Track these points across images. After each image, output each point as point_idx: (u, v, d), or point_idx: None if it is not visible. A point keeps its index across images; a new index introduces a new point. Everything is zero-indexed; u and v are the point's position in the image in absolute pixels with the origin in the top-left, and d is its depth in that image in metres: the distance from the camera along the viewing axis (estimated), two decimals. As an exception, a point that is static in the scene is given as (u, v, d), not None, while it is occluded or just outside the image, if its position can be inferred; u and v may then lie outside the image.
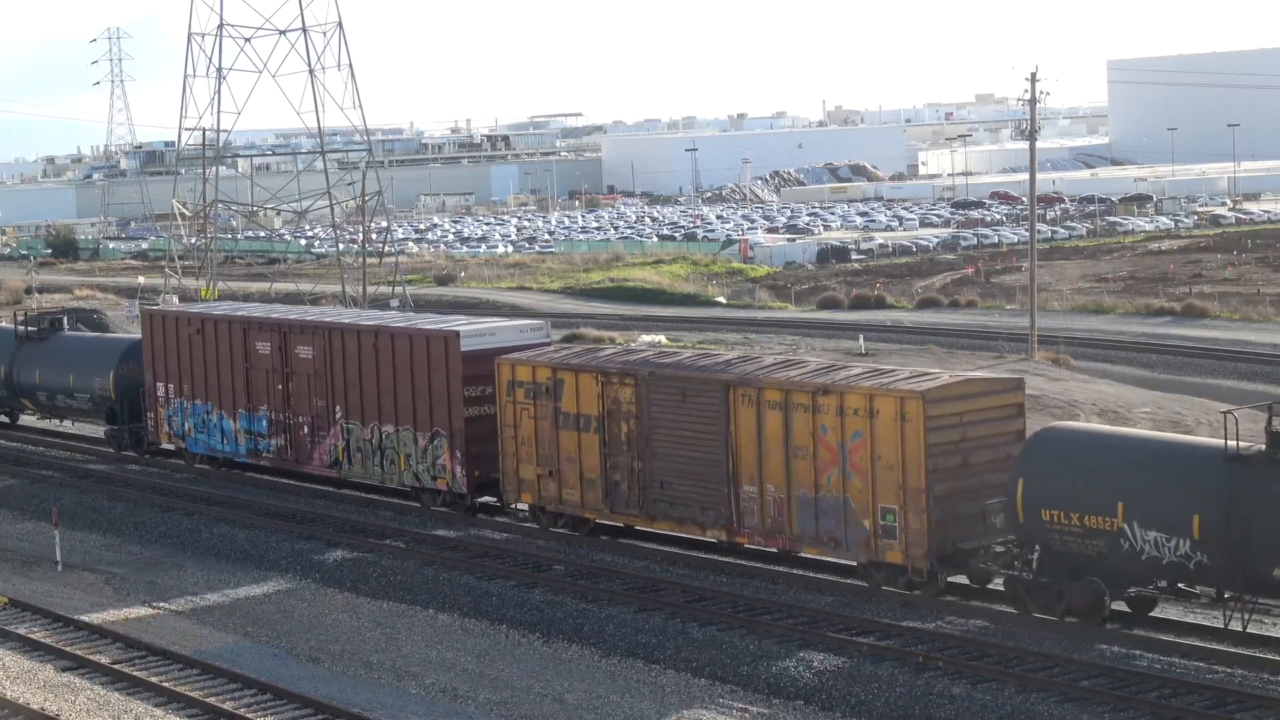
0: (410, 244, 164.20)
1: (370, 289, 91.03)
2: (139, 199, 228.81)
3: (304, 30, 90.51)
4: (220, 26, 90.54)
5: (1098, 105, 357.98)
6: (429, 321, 44.23)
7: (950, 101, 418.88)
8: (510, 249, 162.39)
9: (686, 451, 35.04)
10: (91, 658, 30.72)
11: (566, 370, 37.18)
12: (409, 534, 39.49)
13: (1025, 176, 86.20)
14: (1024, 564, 30.09)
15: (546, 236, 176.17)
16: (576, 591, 33.88)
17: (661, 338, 79.42)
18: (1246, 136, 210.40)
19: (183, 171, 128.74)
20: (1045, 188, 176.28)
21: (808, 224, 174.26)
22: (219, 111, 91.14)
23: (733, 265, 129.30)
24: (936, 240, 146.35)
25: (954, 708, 26.73)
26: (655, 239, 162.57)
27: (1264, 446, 27.48)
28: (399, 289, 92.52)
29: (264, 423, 45.21)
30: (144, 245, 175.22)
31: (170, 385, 48.12)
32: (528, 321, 43.36)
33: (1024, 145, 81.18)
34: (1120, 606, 29.89)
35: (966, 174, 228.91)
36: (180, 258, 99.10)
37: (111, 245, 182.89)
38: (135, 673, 29.71)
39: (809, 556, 34.01)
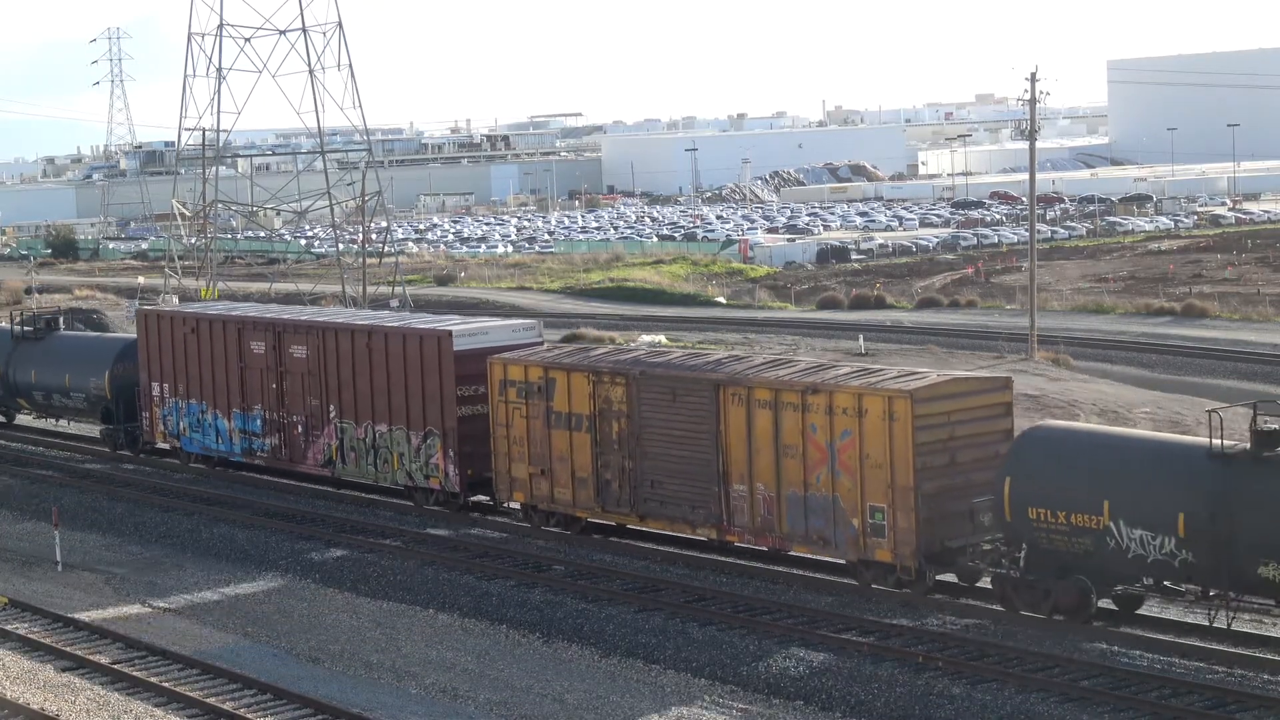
0: (410, 244, 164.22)
1: (370, 289, 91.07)
2: (139, 199, 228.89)
3: (304, 30, 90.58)
4: (220, 26, 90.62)
5: (1098, 105, 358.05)
6: (422, 321, 44.42)
7: (950, 101, 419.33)
8: (510, 249, 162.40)
9: (677, 450, 35.19)
10: (91, 658, 30.72)
11: (558, 370, 37.30)
12: (408, 534, 39.50)
13: (1025, 176, 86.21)
14: (1011, 562, 30.22)
15: (546, 236, 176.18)
16: (576, 591, 33.89)
17: (661, 338, 79.44)
18: (1246, 136, 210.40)
19: (183, 171, 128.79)
20: (1045, 188, 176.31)
21: (808, 224, 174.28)
22: (219, 111, 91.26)
23: (733, 265, 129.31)
24: (936, 240, 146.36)
25: (954, 708, 26.74)
26: (655, 239, 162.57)
27: (1249, 445, 27.60)
28: (399, 289, 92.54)
29: (258, 422, 45.32)
30: (144, 245, 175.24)
31: (165, 385, 48.21)
32: (520, 321, 43.49)
33: (1024, 145, 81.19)
34: (1107, 604, 29.98)
35: (966, 174, 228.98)
36: (180, 258, 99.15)
37: (111, 245, 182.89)
38: (135, 673, 29.72)
39: (800, 555, 34.11)
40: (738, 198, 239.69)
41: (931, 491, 31.21)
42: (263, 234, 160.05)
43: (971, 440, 31.81)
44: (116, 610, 34.88)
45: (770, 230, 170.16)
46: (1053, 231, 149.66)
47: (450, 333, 40.21)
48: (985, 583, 31.44)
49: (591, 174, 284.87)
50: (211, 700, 28.10)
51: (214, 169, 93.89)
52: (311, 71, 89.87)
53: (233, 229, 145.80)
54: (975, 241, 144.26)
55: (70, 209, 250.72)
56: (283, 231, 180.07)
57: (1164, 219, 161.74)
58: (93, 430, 53.65)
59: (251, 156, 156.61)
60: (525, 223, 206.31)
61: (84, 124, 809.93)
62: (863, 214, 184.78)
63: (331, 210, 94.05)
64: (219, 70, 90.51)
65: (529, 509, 38.73)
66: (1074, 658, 28.15)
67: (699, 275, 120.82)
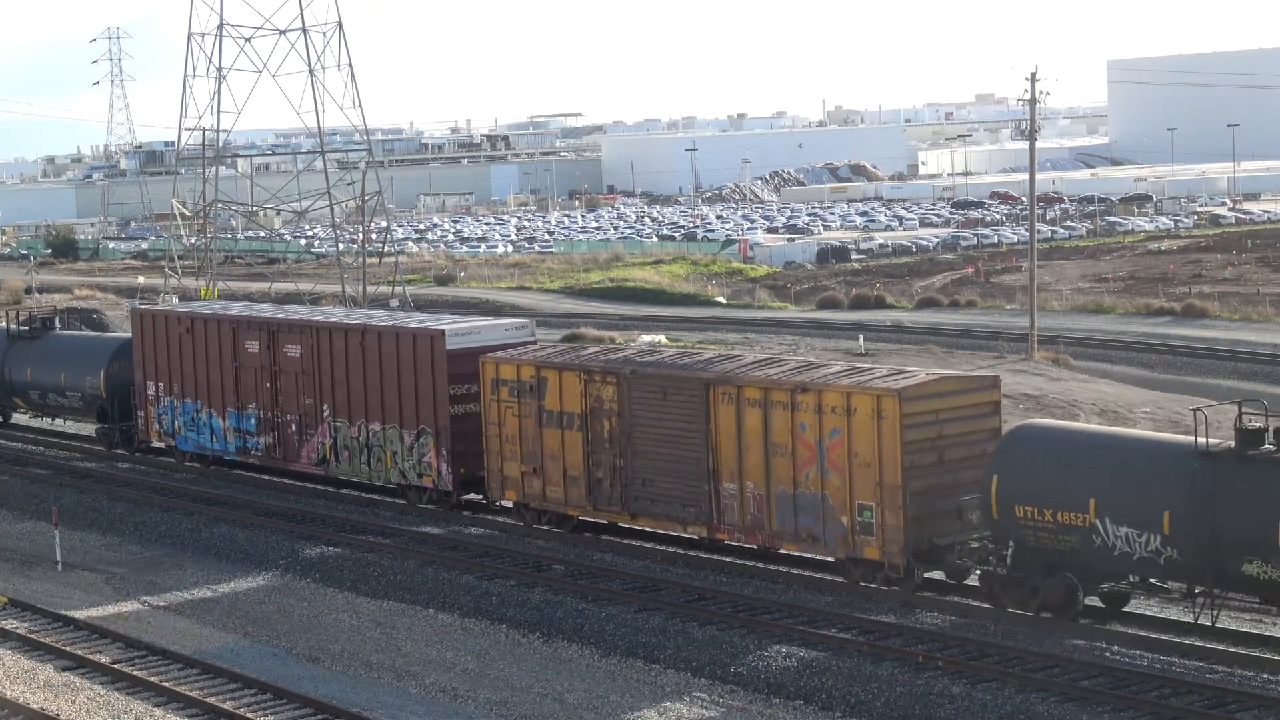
0: (410, 244, 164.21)
1: (370, 289, 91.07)
2: (139, 199, 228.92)
3: (304, 30, 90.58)
4: (220, 26, 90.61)
5: (1098, 105, 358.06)
6: (415, 320, 44.60)
7: (950, 101, 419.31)
8: (510, 249, 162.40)
9: (667, 449, 35.31)
10: (91, 657, 30.72)
11: (550, 369, 37.41)
12: (408, 533, 39.51)
13: (1025, 176, 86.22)
14: (999, 560, 30.35)
15: (546, 236, 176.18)
16: (576, 591, 33.89)
17: (661, 337, 79.45)
18: (1246, 136, 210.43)
19: (183, 171, 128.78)
20: (1045, 188, 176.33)
21: (807, 224, 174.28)
22: (219, 111, 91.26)
23: (732, 265, 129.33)
24: (936, 240, 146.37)
25: (954, 707, 26.74)
26: (655, 239, 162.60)
27: (1233, 443, 27.70)
28: (399, 289, 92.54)
29: (253, 421, 45.43)
30: (144, 245, 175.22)
31: (160, 384, 48.34)
32: (513, 320, 43.69)
33: (1024, 145, 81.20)
34: (1094, 602, 30.11)
35: (966, 174, 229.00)
36: (180, 258, 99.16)
37: (111, 245, 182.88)
38: (135, 672, 29.72)
39: (793, 554, 34.21)
40: (738, 198, 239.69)
41: (919, 489, 31.38)
42: (263, 234, 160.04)
43: (959, 439, 31.99)
44: (116, 610, 34.89)
45: (770, 230, 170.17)
46: (1053, 231, 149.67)
47: (443, 332, 40.36)
48: (974, 580, 31.58)
49: (591, 174, 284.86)
50: (211, 700, 28.10)
51: (214, 169, 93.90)
52: (311, 71, 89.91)
53: (233, 229, 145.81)
54: (975, 241, 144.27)
55: (70, 209, 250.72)
56: (283, 231, 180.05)
57: (1164, 219, 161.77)
58: (89, 429, 53.72)
59: (251, 156, 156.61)
60: (525, 223, 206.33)
61: (84, 124, 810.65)
62: (863, 214, 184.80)
63: (331, 210, 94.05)
64: (219, 70, 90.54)
65: (521, 507, 38.87)
66: (1074, 658, 28.16)
67: (699, 275, 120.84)
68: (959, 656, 28.54)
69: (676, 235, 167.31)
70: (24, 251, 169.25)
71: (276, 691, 28.50)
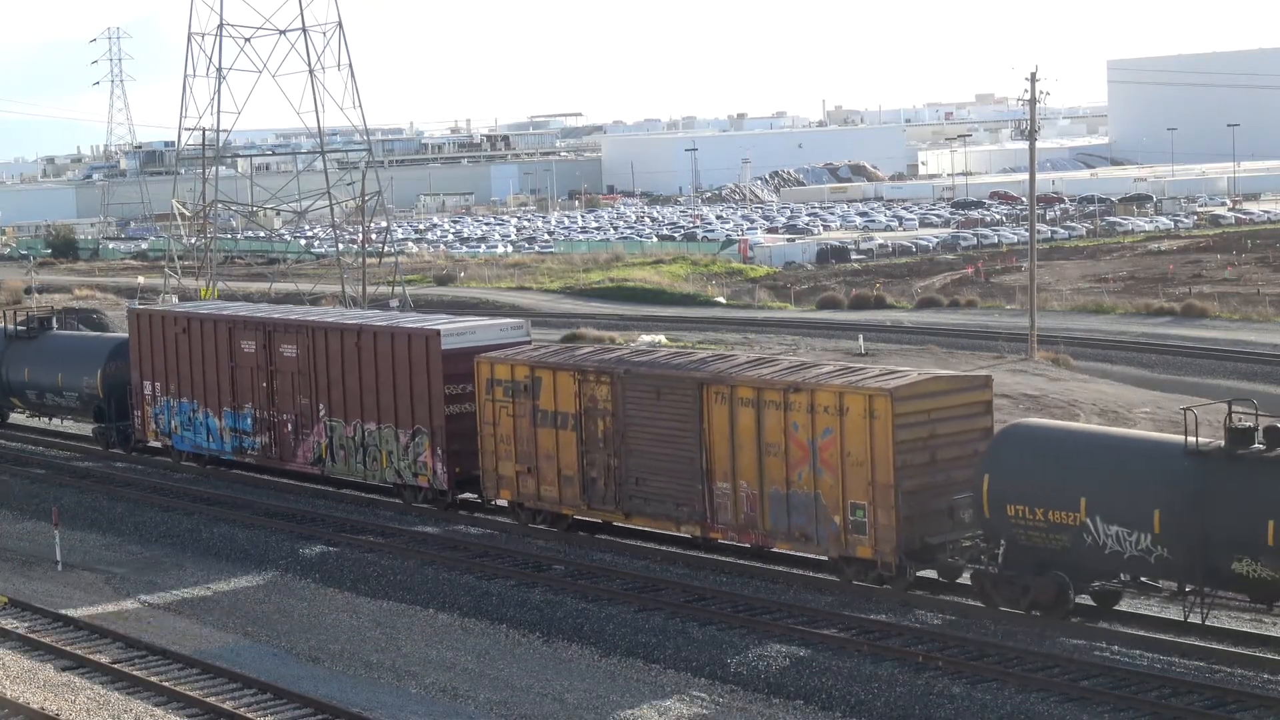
0: (410, 244, 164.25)
1: (370, 289, 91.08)
2: (139, 199, 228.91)
3: (304, 30, 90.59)
4: (220, 26, 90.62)
5: (1098, 105, 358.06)
6: (410, 320, 44.70)
7: (950, 101, 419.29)
8: (510, 249, 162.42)
9: (661, 448, 35.40)
10: (91, 657, 30.72)
11: (544, 369, 37.50)
12: (408, 533, 39.52)
13: (1025, 176, 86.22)
14: (990, 558, 30.44)
15: (546, 236, 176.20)
16: (576, 591, 33.89)
17: (661, 337, 79.46)
18: (1246, 136, 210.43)
19: (183, 171, 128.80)
20: (1045, 188, 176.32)
21: (807, 224, 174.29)
22: (219, 111, 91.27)
23: (732, 265, 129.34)
24: (936, 240, 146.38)
25: (954, 707, 26.74)
26: (655, 239, 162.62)
27: (1223, 443, 27.78)
28: (399, 289, 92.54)
29: (249, 420, 45.54)
30: (144, 245, 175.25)
31: (157, 383, 48.45)
32: (508, 320, 43.78)
33: (1024, 145, 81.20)
34: (1086, 601, 30.21)
35: (966, 174, 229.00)
36: (180, 258, 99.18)
37: (111, 245, 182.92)
38: (135, 672, 29.72)
39: (788, 553, 34.29)
40: (738, 198, 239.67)
41: (912, 489, 31.49)
42: (263, 234, 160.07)
43: (952, 438, 32.10)
44: (116, 609, 34.90)
45: (770, 230, 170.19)
46: (1053, 231, 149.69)
47: (438, 332, 40.46)
48: (966, 579, 31.65)
49: (591, 174, 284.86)
50: (211, 700, 28.10)
51: (214, 169, 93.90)
52: (311, 71, 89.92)
53: (233, 229, 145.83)
54: (975, 241, 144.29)
55: (70, 209, 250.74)
56: (283, 231, 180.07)
57: (1164, 219, 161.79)
58: (86, 429, 53.80)
59: (251, 156, 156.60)
60: (525, 223, 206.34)
61: (84, 124, 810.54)
62: (863, 214, 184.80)
63: (331, 210, 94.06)
64: (219, 70, 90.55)
65: (516, 506, 38.97)
66: (1074, 658, 28.16)
67: (699, 275, 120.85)
68: (959, 656, 28.54)
69: (676, 235, 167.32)
70: (24, 251, 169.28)
71: (276, 691, 28.50)
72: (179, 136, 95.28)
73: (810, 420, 32.57)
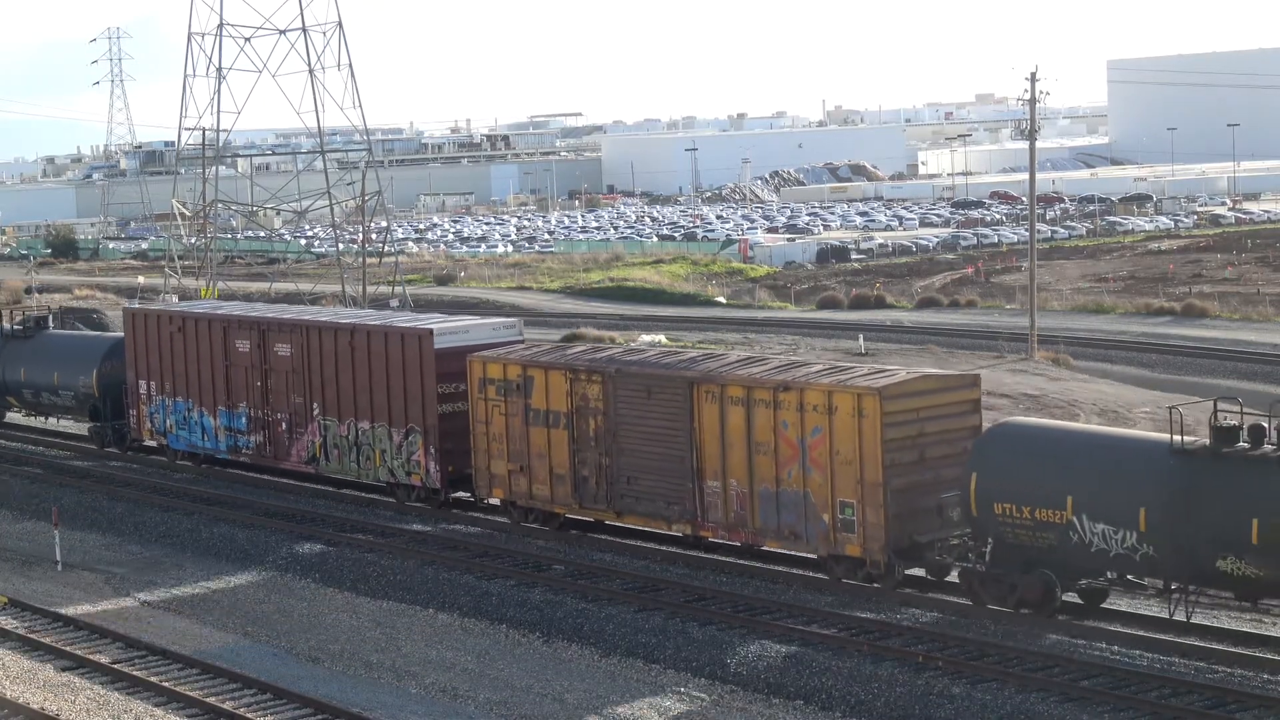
0: (410, 244, 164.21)
1: (370, 289, 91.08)
2: (139, 199, 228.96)
3: (304, 30, 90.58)
4: (220, 26, 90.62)
5: (1098, 105, 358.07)
6: (404, 320, 44.84)
7: (950, 101, 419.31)
8: (510, 249, 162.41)
9: (652, 447, 35.54)
10: (91, 657, 30.72)
11: (536, 368, 37.63)
12: (408, 533, 39.53)
13: (1025, 176, 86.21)
14: (978, 556, 30.56)
15: (546, 236, 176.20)
16: (576, 591, 33.90)
17: (661, 337, 79.45)
18: (1246, 136, 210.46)
19: (183, 171, 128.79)
20: (1045, 187, 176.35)
21: (807, 224, 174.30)
22: (219, 111, 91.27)
23: (732, 265, 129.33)
24: (936, 240, 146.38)
25: (954, 707, 26.74)
26: (655, 239, 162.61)
27: (1208, 441, 27.93)
28: (399, 289, 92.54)
29: (243, 420, 45.70)
30: (144, 245, 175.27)
31: (152, 383, 48.61)
32: (501, 320, 44.00)
33: (1024, 145, 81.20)
34: (1073, 598, 30.36)
35: (966, 174, 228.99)
36: (180, 258, 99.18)
37: (111, 245, 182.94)
38: (135, 672, 29.72)
39: (778, 551, 34.44)
40: (738, 198, 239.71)
41: (900, 487, 31.62)
42: (263, 234, 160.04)
43: (940, 437, 32.21)
44: (116, 610, 34.90)
45: (770, 230, 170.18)
46: (1053, 231, 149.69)
47: (431, 331, 40.61)
48: (955, 577, 31.80)
49: (591, 174, 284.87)
50: (211, 700, 28.11)
51: (214, 169, 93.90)
52: (311, 71, 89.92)
53: (233, 229, 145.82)
54: (975, 241, 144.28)
55: (70, 209, 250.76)
56: (283, 231, 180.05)
57: (1164, 219, 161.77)
58: (82, 428, 53.98)
59: (251, 156, 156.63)
60: (525, 223, 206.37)
61: (84, 124, 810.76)
62: (863, 214, 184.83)
63: (331, 210, 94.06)
64: (219, 70, 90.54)
65: (508, 505, 39.13)
66: (1074, 658, 28.17)
67: (699, 275, 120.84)
68: (959, 656, 28.55)
69: (676, 235, 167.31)
70: (24, 251, 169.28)
71: (276, 691, 28.50)
72: (179, 136, 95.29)
73: (799, 419, 32.74)
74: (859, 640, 29.68)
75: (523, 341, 41.29)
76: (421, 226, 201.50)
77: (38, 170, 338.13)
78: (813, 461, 32.56)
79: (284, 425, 44.45)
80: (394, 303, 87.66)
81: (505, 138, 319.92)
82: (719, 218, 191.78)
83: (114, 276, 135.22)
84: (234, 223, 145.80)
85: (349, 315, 47.49)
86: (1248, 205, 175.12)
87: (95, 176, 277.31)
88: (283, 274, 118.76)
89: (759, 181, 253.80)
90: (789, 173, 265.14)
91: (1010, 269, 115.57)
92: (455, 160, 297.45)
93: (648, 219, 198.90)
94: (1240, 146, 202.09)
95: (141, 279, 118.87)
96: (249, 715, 27.39)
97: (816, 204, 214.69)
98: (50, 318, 57.91)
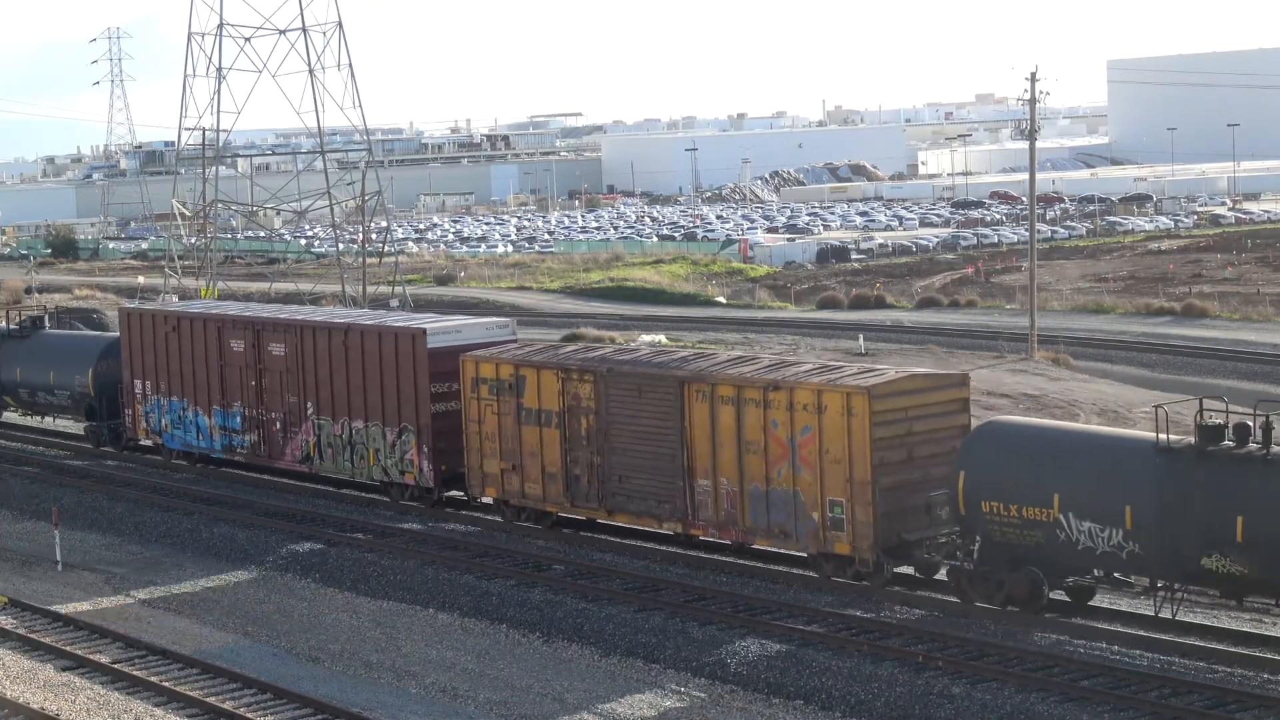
0: (410, 244, 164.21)
1: (370, 289, 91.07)
2: (139, 199, 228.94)
3: (304, 30, 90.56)
4: (220, 26, 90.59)
5: (1098, 105, 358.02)
6: (397, 320, 45.02)
7: (950, 101, 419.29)
8: (510, 249, 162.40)
9: (643, 446, 35.70)
10: (91, 657, 30.73)
11: (528, 367, 37.75)
12: (408, 533, 39.55)
13: (1025, 176, 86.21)
14: (966, 554, 30.70)
15: (546, 236, 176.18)
16: (576, 591, 33.90)
17: (661, 337, 79.44)
18: (1246, 136, 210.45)
19: (183, 171, 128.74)
20: (1045, 187, 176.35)
21: (807, 224, 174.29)
22: (219, 111, 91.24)
23: (733, 265, 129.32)
24: (936, 240, 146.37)
25: (954, 707, 26.74)
26: (655, 239, 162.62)
27: (1194, 439, 28.04)
28: (399, 289, 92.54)
29: (238, 419, 45.83)
30: (144, 245, 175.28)
31: (147, 382, 48.73)
32: (494, 319, 44.27)
33: (1024, 145, 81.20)
34: (1060, 596, 30.49)
35: (966, 174, 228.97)
36: (180, 258, 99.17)
37: (111, 245, 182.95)
38: (135, 672, 29.72)
39: (766, 549, 34.60)
40: (738, 198, 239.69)
41: (889, 486, 31.77)
42: (263, 234, 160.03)
43: (928, 436, 32.35)
44: (116, 610, 34.90)
45: (770, 230, 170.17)
46: (1053, 231, 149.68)
47: (424, 330, 40.78)
48: (944, 575, 31.95)
49: (591, 174, 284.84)
50: (211, 700, 28.11)
51: (214, 169, 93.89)
52: (311, 71, 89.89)
53: (233, 229, 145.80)
54: (975, 241, 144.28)
55: (70, 209, 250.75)
56: (283, 231, 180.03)
57: (1164, 219, 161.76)
58: (78, 427, 54.12)
59: (251, 156, 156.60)
60: (525, 223, 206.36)
61: (84, 124, 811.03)
62: (863, 214, 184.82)
63: (331, 210, 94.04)
64: (219, 70, 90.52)
65: (501, 504, 39.25)
66: (1074, 658, 28.18)
67: (699, 275, 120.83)
68: (959, 656, 28.56)
69: (676, 235, 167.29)
70: (24, 251, 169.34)
71: (276, 691, 28.50)
72: (179, 136, 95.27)
73: (789, 418, 32.89)
74: (859, 640, 29.70)
75: (515, 341, 41.50)
76: (421, 226, 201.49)
77: (38, 170, 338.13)
78: (802, 460, 32.73)
79: (278, 424, 44.59)
80: (394, 303, 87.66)
81: (505, 138, 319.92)
82: (719, 218, 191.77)
83: (114, 276, 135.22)
84: (234, 223, 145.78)
85: (343, 315, 47.72)
86: (1248, 205, 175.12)
87: (95, 176, 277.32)
88: (283, 274, 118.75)
89: (759, 181, 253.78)
90: (789, 173, 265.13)
91: (1010, 269, 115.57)
92: (455, 160, 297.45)
93: (648, 219, 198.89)
94: (1240, 146, 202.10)
95: (141, 279, 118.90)
96: (249, 715, 27.39)
97: (816, 204, 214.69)
98: (46, 317, 58.06)
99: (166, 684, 28.95)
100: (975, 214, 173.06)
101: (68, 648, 31.34)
